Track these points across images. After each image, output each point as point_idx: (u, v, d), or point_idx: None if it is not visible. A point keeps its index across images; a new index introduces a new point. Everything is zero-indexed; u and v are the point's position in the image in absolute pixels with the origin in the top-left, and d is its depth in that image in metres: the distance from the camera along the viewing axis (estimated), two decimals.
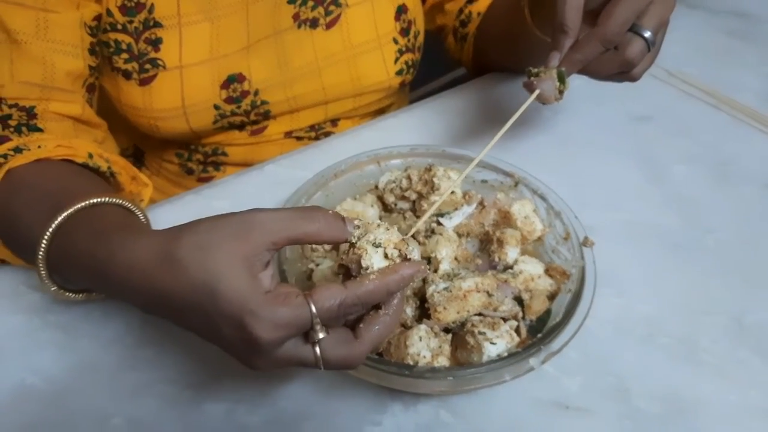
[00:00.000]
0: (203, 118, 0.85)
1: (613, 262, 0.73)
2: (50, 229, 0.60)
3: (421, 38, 0.97)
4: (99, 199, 0.62)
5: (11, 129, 0.71)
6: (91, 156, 0.71)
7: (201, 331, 0.53)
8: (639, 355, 0.70)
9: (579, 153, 0.88)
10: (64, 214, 0.60)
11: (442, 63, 1.23)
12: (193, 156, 0.95)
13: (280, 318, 0.48)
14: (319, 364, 0.51)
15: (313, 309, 0.49)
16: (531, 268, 0.70)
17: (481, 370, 0.60)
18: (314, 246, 0.70)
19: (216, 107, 0.85)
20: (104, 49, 0.80)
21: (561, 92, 0.71)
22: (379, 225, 0.54)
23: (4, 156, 0.68)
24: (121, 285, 0.54)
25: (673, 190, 0.88)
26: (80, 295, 0.64)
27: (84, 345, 0.67)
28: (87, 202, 0.61)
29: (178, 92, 0.82)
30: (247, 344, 0.49)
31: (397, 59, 0.93)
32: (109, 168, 0.72)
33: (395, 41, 0.93)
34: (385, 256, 0.53)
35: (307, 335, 0.50)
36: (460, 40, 1.02)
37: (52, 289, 0.63)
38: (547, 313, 0.67)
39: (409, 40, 0.94)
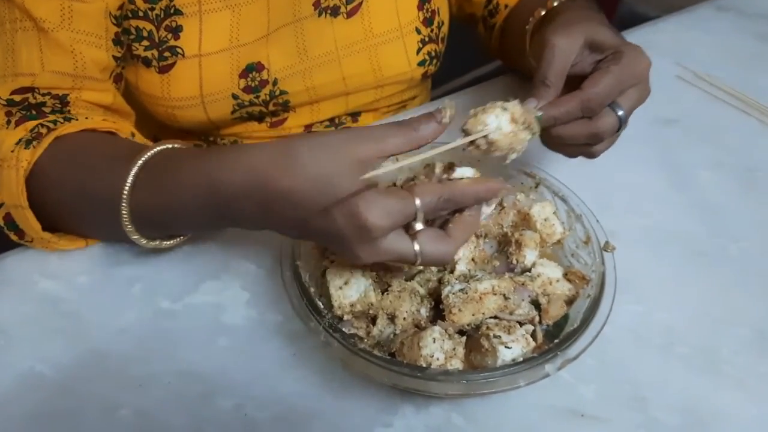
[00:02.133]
0: (221, 107, 0.85)
1: (633, 269, 0.71)
2: (137, 165, 0.63)
3: (445, 29, 0.96)
4: (178, 144, 0.65)
5: (47, 114, 0.72)
6: (133, 135, 0.73)
7: (312, 227, 0.56)
8: (658, 365, 0.69)
9: (602, 155, 0.86)
10: (150, 152, 0.64)
11: (466, 60, 1.22)
12: None
13: (390, 206, 0.54)
14: (417, 257, 0.56)
15: (417, 201, 0.55)
16: (549, 272, 0.69)
17: (495, 375, 0.58)
18: None
19: (234, 97, 0.84)
20: (125, 37, 0.80)
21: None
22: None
23: (53, 122, 0.69)
24: (229, 196, 0.58)
25: (698, 196, 0.87)
26: (170, 241, 0.69)
27: (94, 335, 0.66)
28: (169, 145, 0.65)
29: (197, 81, 0.82)
30: (359, 231, 0.53)
31: (419, 50, 0.92)
32: None
33: (418, 31, 0.91)
34: (512, 120, 0.60)
35: (407, 228, 0.56)
36: (489, 29, 1.01)
37: (134, 237, 0.65)
38: (565, 318, 0.66)
39: (432, 30, 0.93)
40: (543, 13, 0.82)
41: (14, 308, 0.68)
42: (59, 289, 0.70)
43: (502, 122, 0.61)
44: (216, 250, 0.74)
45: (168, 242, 0.69)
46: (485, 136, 0.61)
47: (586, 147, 0.73)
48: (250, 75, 0.84)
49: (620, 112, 0.70)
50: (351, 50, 0.89)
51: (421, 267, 0.66)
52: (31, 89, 0.71)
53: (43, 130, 0.69)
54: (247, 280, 0.72)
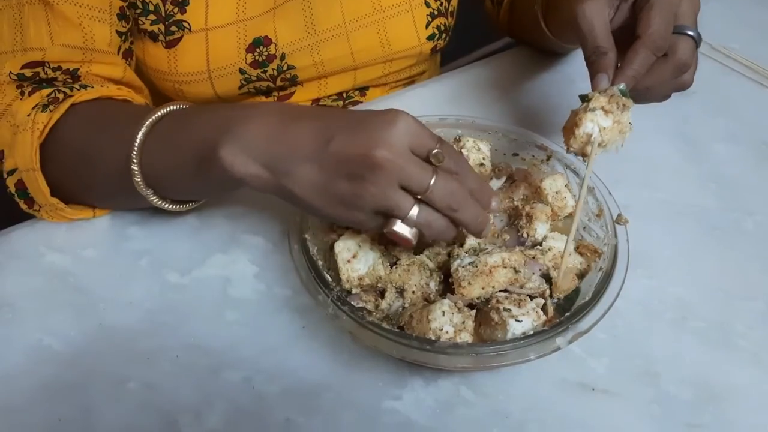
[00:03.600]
0: (228, 82, 0.84)
1: (646, 242, 0.70)
2: (146, 124, 0.63)
3: (454, 2, 0.94)
4: (187, 105, 0.66)
5: (59, 86, 0.71)
6: (148, 105, 0.72)
7: (337, 141, 0.56)
8: (670, 339, 0.68)
9: None
10: (160, 112, 0.64)
11: (474, 37, 1.20)
12: None
13: (418, 126, 0.56)
14: (432, 177, 0.56)
15: (439, 135, 0.58)
16: (561, 245, 0.68)
17: (504, 348, 0.58)
18: None
19: (241, 71, 0.83)
20: (131, 11, 0.79)
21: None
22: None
23: (69, 88, 0.69)
24: (243, 118, 0.58)
25: (713, 169, 0.85)
26: (185, 205, 0.68)
27: (102, 308, 0.66)
28: (179, 105, 0.65)
29: (203, 55, 0.81)
30: (388, 127, 0.55)
31: (428, 23, 0.90)
32: None
33: (427, 4, 0.90)
34: (606, 112, 0.62)
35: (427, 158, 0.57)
36: (496, 4, 0.99)
37: (145, 192, 0.64)
38: (576, 291, 0.65)
39: (441, 4, 0.91)
40: None
41: (21, 281, 0.68)
42: (66, 262, 0.69)
43: (600, 121, 0.62)
44: (224, 223, 0.74)
45: (177, 206, 0.67)
46: (599, 145, 0.63)
47: (677, 83, 0.71)
48: (258, 49, 0.83)
49: (689, 32, 0.67)
50: (359, 24, 0.87)
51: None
52: (41, 63, 0.70)
53: (60, 95, 0.69)
54: (256, 254, 0.71)
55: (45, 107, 0.68)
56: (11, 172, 0.70)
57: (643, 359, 0.66)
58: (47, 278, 0.68)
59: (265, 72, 0.85)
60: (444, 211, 0.58)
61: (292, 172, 0.56)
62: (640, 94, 0.69)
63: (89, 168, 0.69)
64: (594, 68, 0.66)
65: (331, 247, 0.65)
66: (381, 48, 0.89)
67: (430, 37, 0.91)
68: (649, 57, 0.66)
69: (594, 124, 0.63)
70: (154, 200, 0.65)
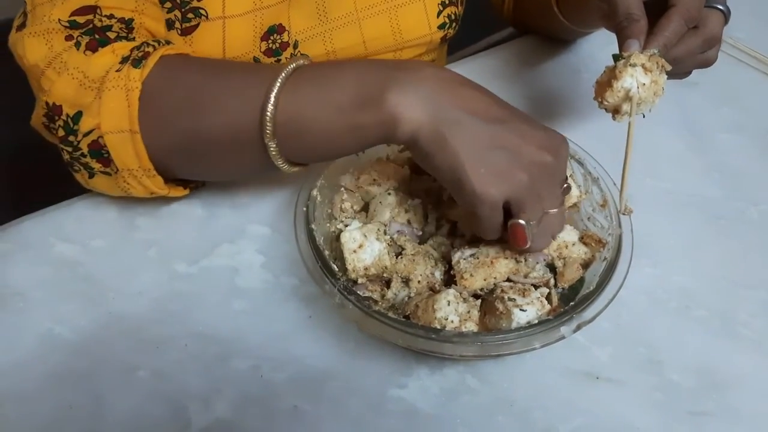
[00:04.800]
0: None
1: (650, 232, 0.70)
2: (289, 68, 0.61)
3: None
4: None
5: (112, 40, 0.67)
6: None
7: (515, 114, 0.59)
8: (674, 328, 0.68)
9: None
10: (295, 63, 0.62)
11: (480, 27, 1.20)
12: None
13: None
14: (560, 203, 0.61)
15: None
16: (565, 235, 0.68)
17: (510, 337, 0.58)
18: (343, 206, 0.70)
19: (256, 60, 0.83)
20: None
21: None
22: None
23: (156, 41, 0.67)
24: (411, 67, 0.59)
25: (717, 159, 0.85)
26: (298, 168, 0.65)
27: (111, 297, 0.67)
28: (307, 60, 0.63)
29: (220, 44, 0.81)
30: (563, 140, 0.60)
31: (439, 12, 0.90)
32: None
33: None
34: (646, 69, 0.62)
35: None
36: None
37: (272, 151, 0.61)
38: (581, 281, 0.66)
39: None
40: None
41: (31, 271, 0.68)
42: (76, 252, 0.70)
43: (639, 77, 0.62)
44: (231, 214, 0.74)
45: (292, 167, 0.64)
46: (632, 99, 0.63)
47: (702, 56, 0.70)
48: (272, 37, 0.83)
49: (720, 6, 0.67)
50: (371, 12, 0.87)
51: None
52: (93, 9, 0.67)
53: (150, 49, 0.66)
54: (263, 244, 0.72)
55: (137, 62, 0.64)
56: (88, 133, 0.65)
57: (646, 348, 0.66)
58: (57, 268, 0.69)
59: (278, 60, 0.85)
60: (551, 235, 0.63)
61: (460, 122, 0.56)
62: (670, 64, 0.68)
63: (194, 121, 0.65)
64: (625, 33, 0.65)
65: (338, 237, 0.65)
66: (392, 36, 0.90)
67: (441, 26, 0.91)
68: (681, 26, 0.65)
69: (633, 79, 0.62)
70: (275, 155, 0.62)
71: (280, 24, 0.83)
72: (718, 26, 0.68)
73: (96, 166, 0.68)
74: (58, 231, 0.71)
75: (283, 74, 0.61)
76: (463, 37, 1.09)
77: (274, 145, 0.62)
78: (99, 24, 0.68)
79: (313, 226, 0.64)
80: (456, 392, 0.62)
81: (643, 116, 0.66)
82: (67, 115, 0.66)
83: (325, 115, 0.60)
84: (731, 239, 0.76)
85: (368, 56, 0.90)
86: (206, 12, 0.78)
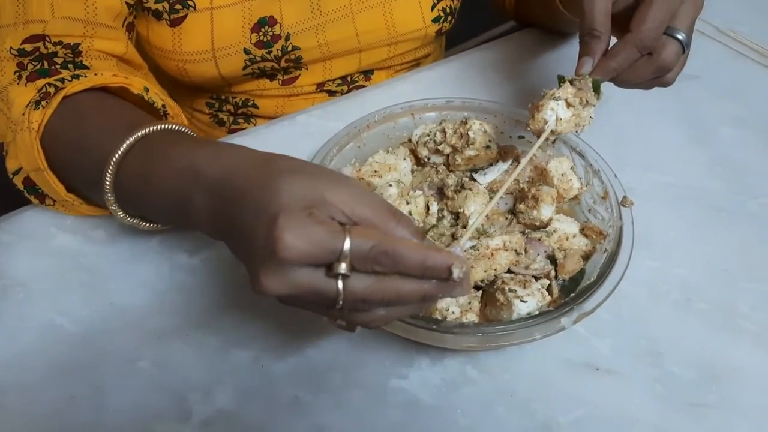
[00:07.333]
0: (233, 62, 0.84)
1: (651, 225, 0.71)
2: (126, 143, 0.58)
3: None
4: (174, 126, 0.60)
5: (58, 66, 0.69)
6: (147, 90, 0.69)
7: (237, 225, 0.49)
8: (674, 320, 0.68)
9: (621, 111, 0.85)
10: (141, 131, 0.58)
11: (479, 20, 1.20)
12: (224, 106, 0.94)
13: (313, 234, 0.44)
14: (339, 297, 0.46)
15: (348, 242, 0.45)
16: (566, 227, 0.68)
17: (510, 328, 0.58)
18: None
19: (246, 51, 0.83)
20: None
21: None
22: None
23: (61, 80, 0.66)
24: (205, 187, 0.52)
25: (718, 152, 0.85)
26: (147, 224, 0.63)
27: (113, 288, 0.67)
28: (163, 126, 0.59)
29: (208, 34, 0.81)
30: (270, 245, 0.45)
31: (434, 6, 0.90)
32: (163, 106, 0.70)
33: None
34: (568, 105, 0.65)
35: (330, 269, 0.46)
36: None
37: (112, 208, 0.61)
38: (581, 273, 0.66)
39: None
40: None
41: (33, 262, 0.69)
42: (77, 243, 0.70)
43: (560, 112, 0.65)
44: None
45: (145, 224, 0.63)
46: (551, 131, 0.65)
47: (658, 80, 0.71)
48: (262, 29, 0.83)
49: (680, 36, 0.67)
50: (365, 5, 0.87)
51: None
52: (42, 37, 0.69)
53: (51, 89, 0.65)
54: None
55: (38, 104, 0.65)
56: (17, 172, 0.68)
57: (647, 340, 0.67)
58: (58, 259, 0.69)
59: (269, 52, 0.85)
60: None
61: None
62: (618, 84, 0.70)
63: (80, 168, 0.65)
64: (583, 49, 0.67)
65: None
66: (386, 30, 0.89)
67: (436, 20, 0.91)
68: (633, 53, 0.66)
69: (553, 113, 0.65)
70: (114, 209, 0.61)
71: (271, 16, 0.83)
72: (671, 56, 0.67)
73: (35, 201, 0.70)
74: (60, 222, 0.71)
75: (121, 150, 0.58)
76: (463, 30, 1.09)
77: (116, 208, 0.61)
78: (45, 51, 0.69)
79: None
80: (457, 383, 0.63)
81: (576, 134, 0.71)
82: (6, 152, 0.68)
83: (151, 208, 0.60)
84: (732, 232, 0.76)
85: (361, 50, 0.91)
86: (194, 3, 0.79)
